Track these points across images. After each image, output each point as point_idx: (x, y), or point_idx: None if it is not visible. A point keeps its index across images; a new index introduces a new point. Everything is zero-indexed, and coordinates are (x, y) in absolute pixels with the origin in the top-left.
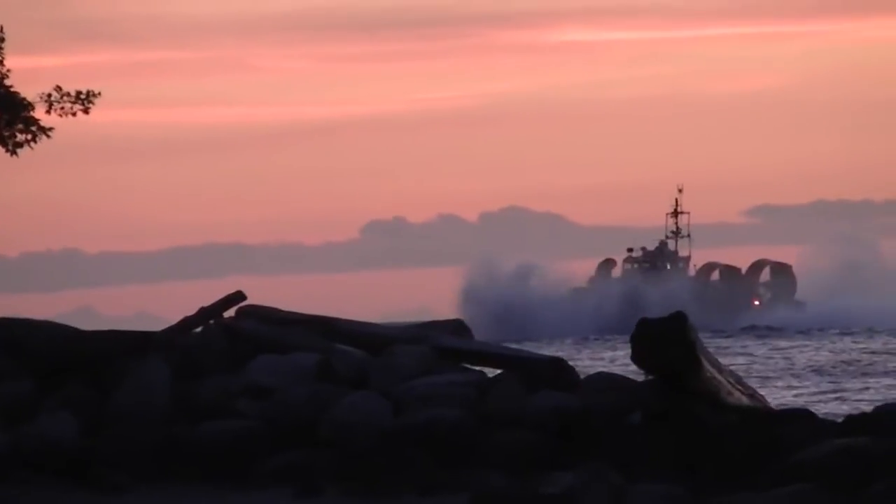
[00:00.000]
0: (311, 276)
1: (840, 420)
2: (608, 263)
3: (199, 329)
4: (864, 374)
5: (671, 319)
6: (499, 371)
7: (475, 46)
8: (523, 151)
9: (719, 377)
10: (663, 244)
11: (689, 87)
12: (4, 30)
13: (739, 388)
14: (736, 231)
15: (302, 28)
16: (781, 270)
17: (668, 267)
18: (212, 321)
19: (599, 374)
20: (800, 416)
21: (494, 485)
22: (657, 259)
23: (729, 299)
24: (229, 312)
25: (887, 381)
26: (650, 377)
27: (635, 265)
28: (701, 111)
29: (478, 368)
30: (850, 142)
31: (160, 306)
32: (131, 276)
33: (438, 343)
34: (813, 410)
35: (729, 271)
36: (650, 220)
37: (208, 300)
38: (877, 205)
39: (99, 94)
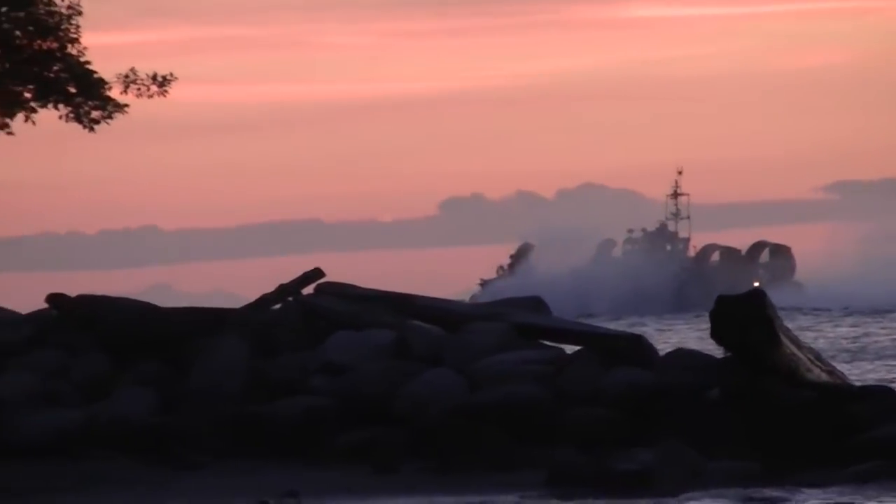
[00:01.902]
0: (389, 252)
1: None
2: (608, 243)
3: (277, 306)
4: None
5: (750, 296)
6: (577, 348)
7: (549, 22)
8: (597, 128)
9: (798, 353)
10: (663, 226)
11: (758, 63)
12: (82, 7)
13: (818, 364)
14: (811, 207)
15: (371, 5)
16: (780, 252)
17: (668, 248)
18: (290, 298)
19: (678, 350)
20: (878, 393)
21: (571, 461)
22: (656, 240)
23: (728, 280)
24: (308, 289)
25: None
26: (728, 354)
27: (635, 246)
28: (770, 87)
29: (555, 345)
30: None
31: (238, 283)
32: (209, 253)
33: (516, 320)
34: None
35: (728, 252)
36: (717, 196)
37: (286, 277)
38: None
39: (175, 77)
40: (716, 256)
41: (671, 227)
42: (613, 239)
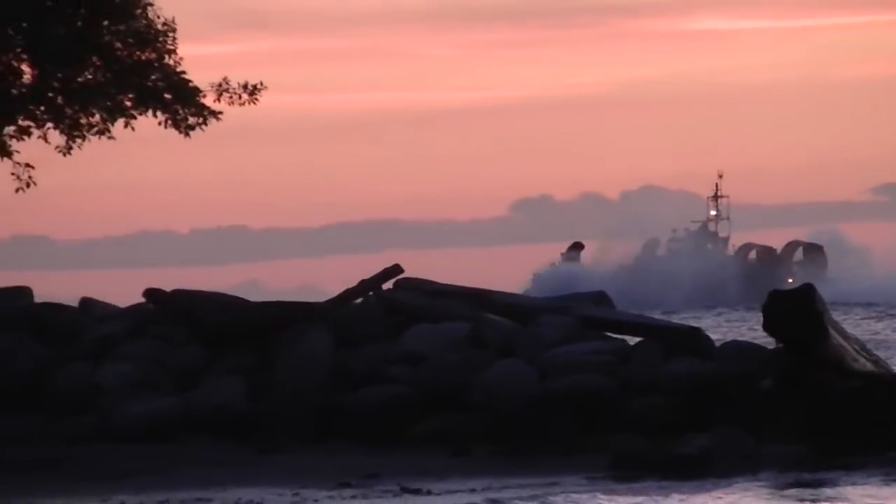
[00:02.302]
0: (463, 250)
1: None
2: (654, 242)
3: (359, 300)
4: None
5: (800, 291)
6: (638, 339)
7: (614, 34)
8: (658, 134)
9: (845, 344)
10: (704, 226)
11: (814, 73)
12: (177, 21)
13: (864, 354)
14: (861, 209)
15: (449, 18)
16: (814, 250)
17: (710, 247)
18: (371, 293)
19: (733, 342)
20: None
21: (634, 446)
22: (699, 239)
23: (765, 277)
24: (387, 284)
25: None
26: (780, 345)
27: (678, 244)
28: (826, 96)
29: (619, 337)
30: None
31: (322, 279)
32: (295, 251)
33: (582, 313)
34: None
35: (765, 251)
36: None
37: (367, 273)
38: None
39: (265, 86)
40: (753, 255)
41: (711, 227)
42: (658, 238)
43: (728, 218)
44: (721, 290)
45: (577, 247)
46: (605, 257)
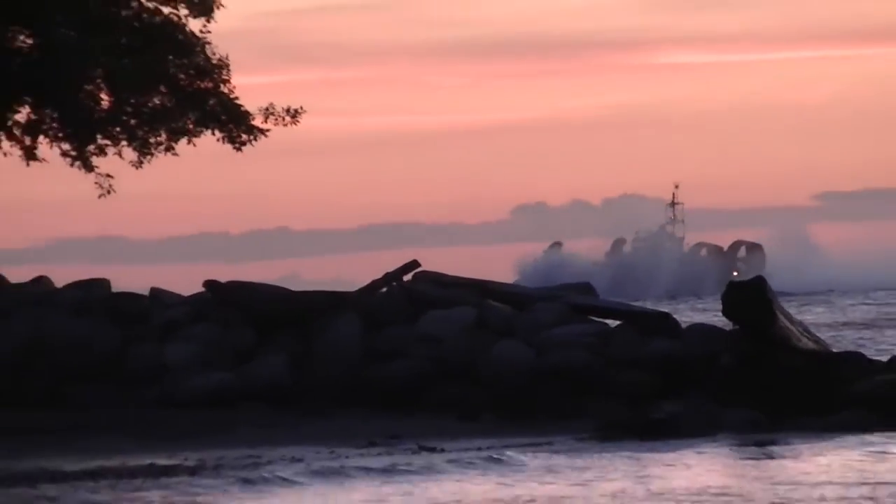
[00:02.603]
0: (471, 247)
1: (885, 360)
2: (620, 241)
3: (383, 290)
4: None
5: (754, 282)
6: (618, 322)
7: (597, 67)
8: (633, 150)
9: (791, 327)
10: (663, 228)
11: (762, 99)
12: (230, 57)
13: (807, 335)
14: (803, 212)
15: (463, 52)
16: (755, 248)
17: (667, 245)
18: (393, 284)
19: (698, 324)
20: (853, 357)
21: (615, 413)
22: (658, 240)
23: (713, 271)
24: (407, 277)
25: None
26: (736, 327)
27: (641, 243)
28: (771, 118)
29: (601, 321)
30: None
31: (353, 272)
32: (330, 249)
33: (570, 301)
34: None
35: (714, 249)
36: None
37: (390, 267)
38: None
39: (305, 110)
40: (703, 252)
41: (669, 229)
42: (625, 238)
43: (683, 221)
44: (677, 281)
45: (557, 245)
46: (580, 253)
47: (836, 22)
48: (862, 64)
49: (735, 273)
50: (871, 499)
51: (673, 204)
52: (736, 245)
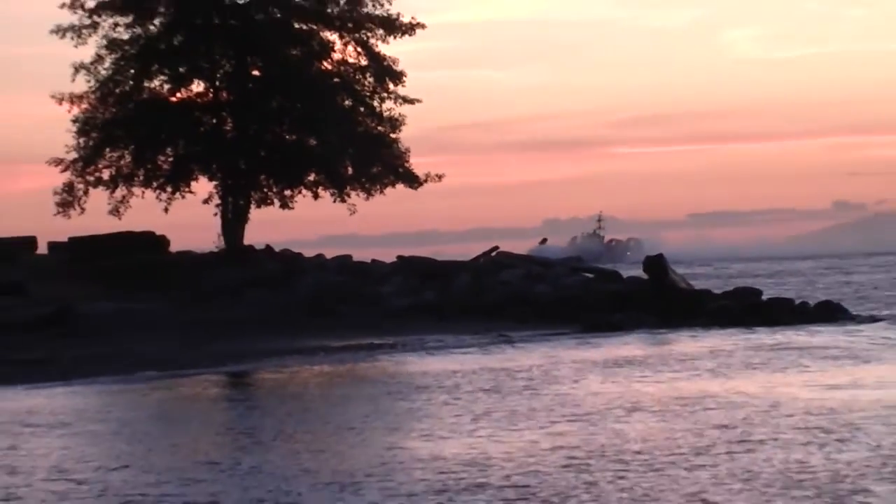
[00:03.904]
0: (510, 242)
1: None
2: (574, 238)
3: (480, 260)
4: None
5: (657, 256)
6: (592, 276)
7: (564, 158)
8: (583, 196)
9: (676, 278)
10: (595, 232)
11: None
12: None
13: (685, 283)
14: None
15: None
16: (636, 240)
17: (594, 241)
18: (492, 254)
19: (631, 276)
20: (706, 293)
21: (593, 319)
22: (589, 239)
23: (616, 253)
24: (493, 254)
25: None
26: (650, 277)
27: (579, 240)
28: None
29: (586, 274)
30: None
31: (467, 252)
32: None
33: (571, 264)
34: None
35: (618, 242)
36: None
37: (483, 249)
38: None
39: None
40: (612, 243)
41: (598, 233)
42: (576, 236)
43: (604, 228)
44: (598, 260)
45: (544, 241)
46: (555, 245)
47: None
48: None
49: (628, 253)
50: (715, 351)
51: (599, 220)
52: (627, 240)
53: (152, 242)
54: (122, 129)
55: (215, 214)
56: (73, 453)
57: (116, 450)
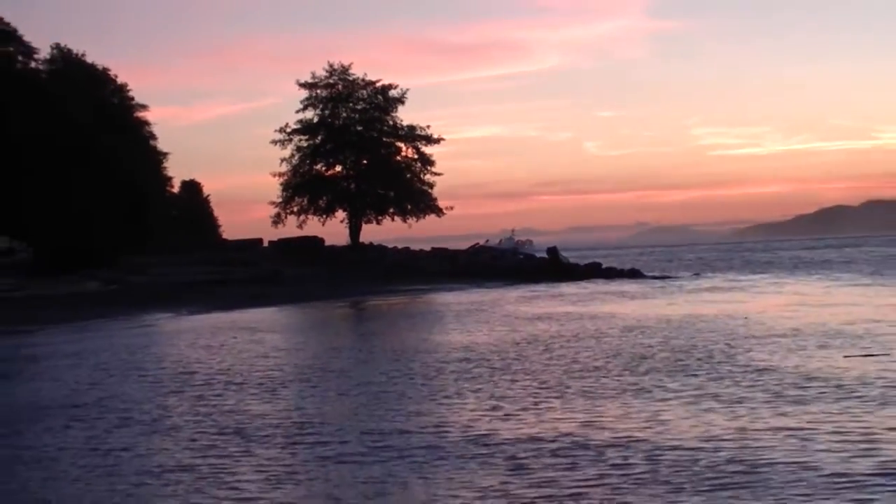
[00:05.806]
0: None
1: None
2: (505, 241)
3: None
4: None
5: (553, 247)
6: (522, 256)
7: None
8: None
9: (562, 258)
10: (511, 236)
11: None
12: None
13: (566, 260)
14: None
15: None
16: (529, 240)
17: (510, 241)
18: (481, 243)
19: (528, 256)
20: (574, 265)
21: (523, 276)
22: (508, 240)
23: (524, 248)
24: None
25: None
26: (550, 258)
27: (501, 241)
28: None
29: (521, 256)
30: None
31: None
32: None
33: (513, 251)
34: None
35: (523, 240)
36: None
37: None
38: None
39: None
40: (521, 241)
41: (514, 237)
42: (502, 238)
43: (515, 235)
44: (514, 253)
45: (487, 241)
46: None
47: None
48: None
49: (527, 246)
50: (578, 293)
51: (512, 231)
52: (526, 239)
53: (316, 241)
54: (303, 189)
55: (346, 227)
56: (268, 342)
57: (293, 340)
